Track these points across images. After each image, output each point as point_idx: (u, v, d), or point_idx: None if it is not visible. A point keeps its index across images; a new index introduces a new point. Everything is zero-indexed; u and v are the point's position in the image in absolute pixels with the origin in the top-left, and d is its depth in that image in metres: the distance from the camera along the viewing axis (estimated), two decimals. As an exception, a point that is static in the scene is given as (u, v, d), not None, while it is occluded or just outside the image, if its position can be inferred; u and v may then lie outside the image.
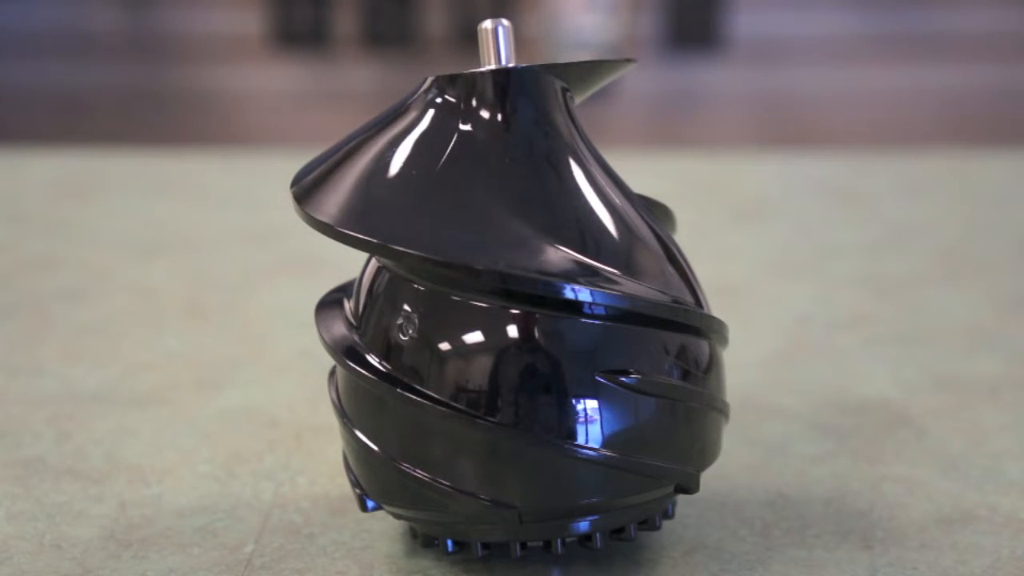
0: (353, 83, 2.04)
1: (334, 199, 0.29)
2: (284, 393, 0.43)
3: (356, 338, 0.30)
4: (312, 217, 0.29)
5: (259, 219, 0.68)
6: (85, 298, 0.54)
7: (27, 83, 2.11)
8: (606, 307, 0.28)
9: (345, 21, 2.04)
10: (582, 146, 0.30)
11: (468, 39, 2.06)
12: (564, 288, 0.27)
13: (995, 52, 2.02)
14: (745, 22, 2.01)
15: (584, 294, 0.27)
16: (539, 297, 0.28)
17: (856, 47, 2.02)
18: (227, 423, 0.40)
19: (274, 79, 2.08)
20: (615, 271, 0.28)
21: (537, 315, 0.28)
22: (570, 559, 0.31)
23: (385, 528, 0.33)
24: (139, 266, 0.59)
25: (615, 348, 0.28)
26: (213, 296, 0.55)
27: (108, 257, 0.61)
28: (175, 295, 0.55)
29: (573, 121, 0.30)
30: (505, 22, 0.30)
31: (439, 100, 0.29)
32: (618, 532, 0.30)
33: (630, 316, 0.28)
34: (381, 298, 0.29)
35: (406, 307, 0.29)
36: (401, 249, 0.27)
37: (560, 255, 0.28)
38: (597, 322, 0.28)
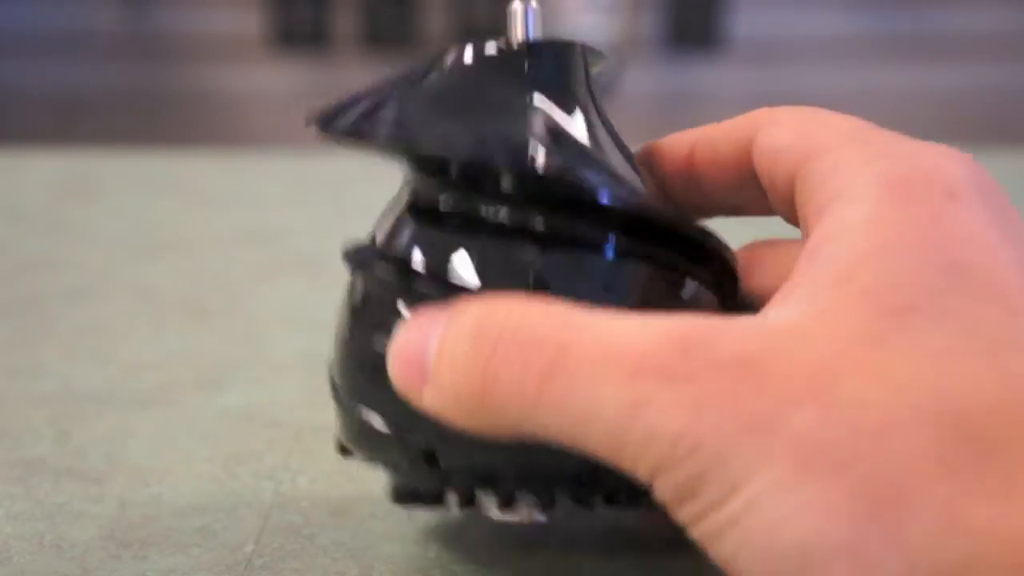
0: (353, 83, 2.04)
1: (353, 113, 0.29)
2: (284, 393, 0.43)
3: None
4: (330, 134, 0.28)
5: (259, 219, 0.68)
6: (85, 298, 0.54)
7: (27, 83, 2.12)
8: (626, 220, 0.28)
9: (345, 21, 2.04)
10: (599, 114, 0.30)
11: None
12: (596, 191, 0.27)
13: (995, 52, 2.02)
14: (745, 22, 2.01)
15: (612, 198, 0.27)
16: (564, 201, 0.27)
17: (856, 47, 2.03)
18: (227, 423, 0.40)
19: (274, 79, 2.09)
20: (639, 186, 0.29)
21: (554, 251, 0.27)
22: (573, 547, 0.31)
23: (386, 528, 0.33)
24: (139, 266, 0.59)
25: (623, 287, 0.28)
26: (213, 296, 0.55)
27: (108, 257, 0.61)
28: (175, 295, 0.55)
29: (594, 99, 0.30)
30: (534, 3, 0.29)
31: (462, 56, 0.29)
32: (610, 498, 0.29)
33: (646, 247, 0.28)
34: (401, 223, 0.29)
35: (423, 236, 0.28)
36: (426, 146, 0.27)
37: (595, 162, 0.28)
38: (609, 257, 0.28)
